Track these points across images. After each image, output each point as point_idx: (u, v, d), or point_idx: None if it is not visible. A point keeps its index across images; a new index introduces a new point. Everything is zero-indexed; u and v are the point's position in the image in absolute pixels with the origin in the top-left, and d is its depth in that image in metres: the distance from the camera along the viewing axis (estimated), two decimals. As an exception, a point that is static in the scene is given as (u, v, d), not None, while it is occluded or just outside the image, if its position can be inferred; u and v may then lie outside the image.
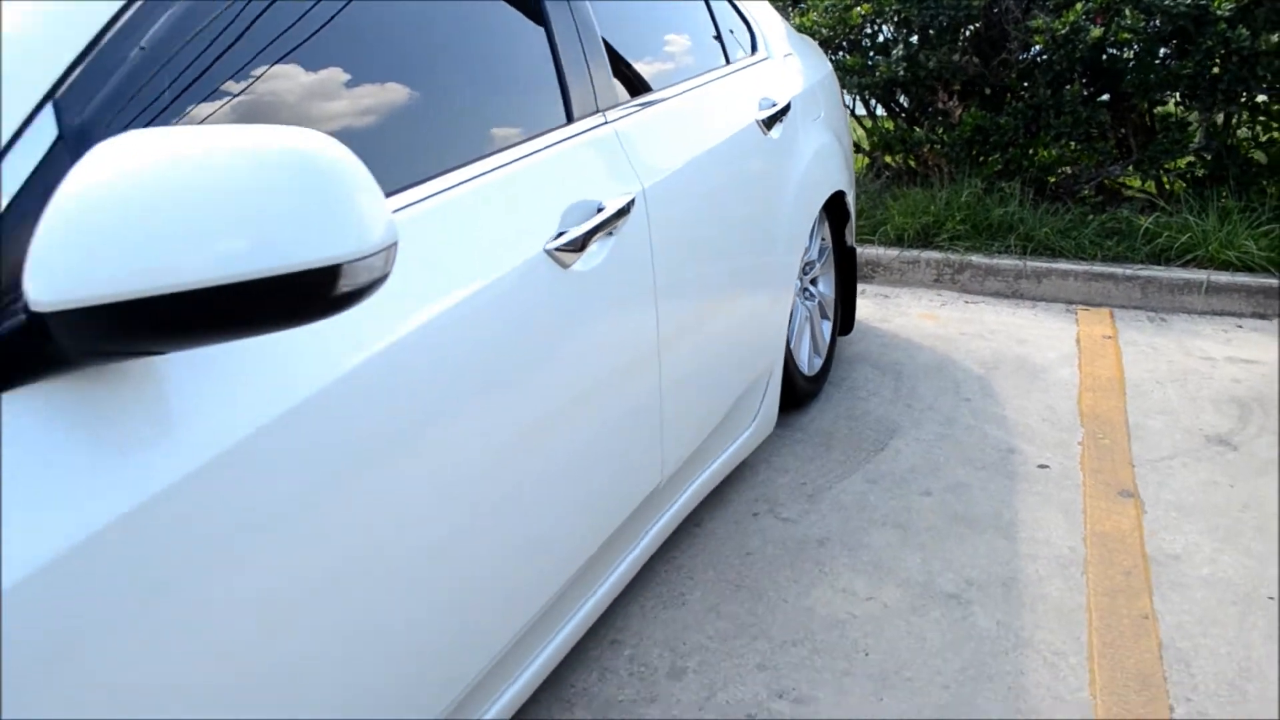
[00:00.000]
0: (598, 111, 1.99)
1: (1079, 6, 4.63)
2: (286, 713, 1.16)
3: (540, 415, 1.60)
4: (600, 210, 1.80)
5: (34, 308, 0.89)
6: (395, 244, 0.98)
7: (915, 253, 4.75)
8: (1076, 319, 4.25)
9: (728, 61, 2.77)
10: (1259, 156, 4.89)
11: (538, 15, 1.88)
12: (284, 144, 0.92)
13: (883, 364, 3.72)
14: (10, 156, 0.98)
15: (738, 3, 3.04)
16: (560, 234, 1.67)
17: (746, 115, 2.61)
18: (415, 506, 1.34)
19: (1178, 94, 4.82)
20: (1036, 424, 3.20)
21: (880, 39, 5.36)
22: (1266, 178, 4.77)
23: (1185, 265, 4.46)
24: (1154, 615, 2.23)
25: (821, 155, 3.11)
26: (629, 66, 2.21)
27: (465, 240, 1.46)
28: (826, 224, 3.38)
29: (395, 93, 1.48)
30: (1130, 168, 5.01)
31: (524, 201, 1.61)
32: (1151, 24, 4.57)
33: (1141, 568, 2.41)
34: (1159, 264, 4.49)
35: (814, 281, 3.37)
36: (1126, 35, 4.57)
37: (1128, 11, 4.54)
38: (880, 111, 5.61)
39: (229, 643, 1.08)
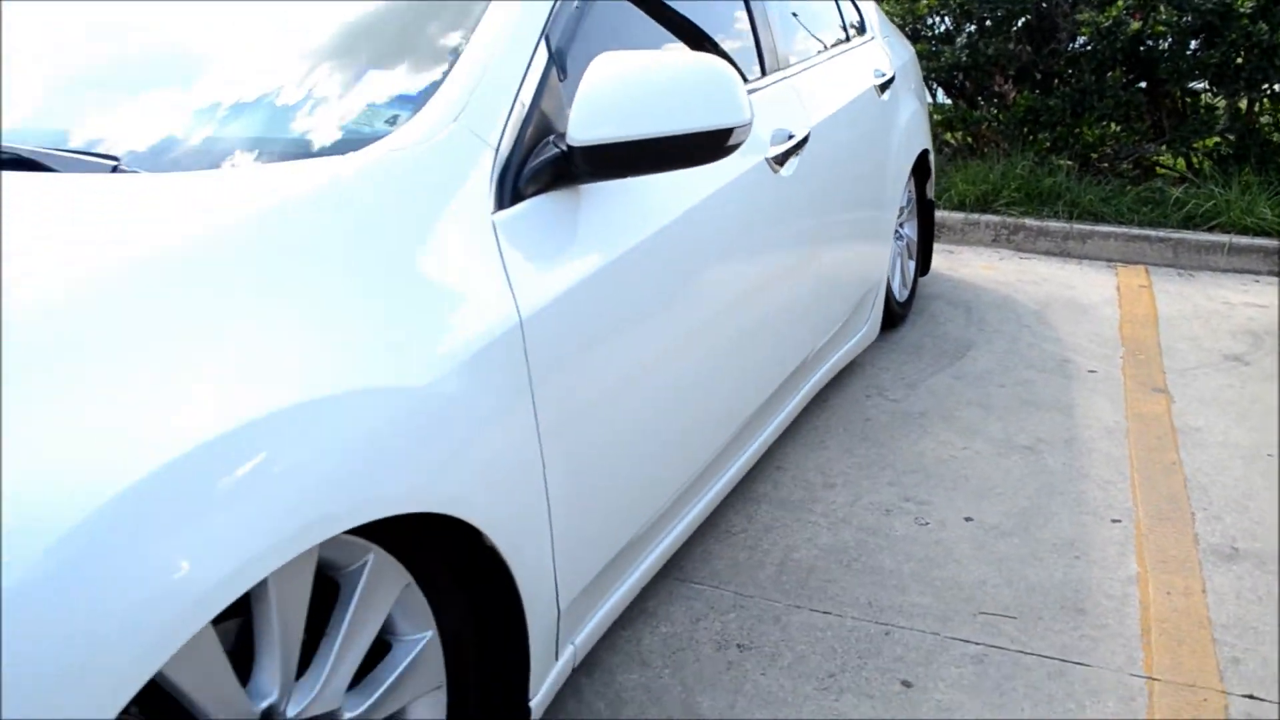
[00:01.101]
0: (778, 69, 2.74)
1: (1120, 3, 5.34)
2: (662, 412, 1.91)
3: (757, 277, 2.35)
4: (791, 137, 2.54)
5: (569, 144, 1.64)
6: (752, 120, 1.73)
7: (976, 216, 5.48)
8: (1116, 273, 4.97)
9: (848, 39, 3.51)
10: (1278, 138, 5.59)
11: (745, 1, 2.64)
12: (700, 60, 1.67)
13: (955, 300, 4.46)
14: (531, 69, 1.73)
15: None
16: (773, 154, 2.42)
17: (866, 81, 3.35)
18: (733, 299, 2.10)
19: (1206, 81, 5.53)
20: (1085, 343, 3.92)
21: (940, 29, 6.08)
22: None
23: (1210, 230, 5.17)
24: (1180, 462, 2.96)
25: (914, 119, 3.85)
26: (789, 39, 2.96)
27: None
28: (912, 179, 4.11)
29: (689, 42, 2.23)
30: (1164, 146, 5.73)
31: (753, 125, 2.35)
32: (1184, 19, 5.28)
33: (1170, 435, 3.14)
34: (1188, 228, 5.20)
35: (902, 225, 4.10)
36: (1161, 28, 5.28)
37: (1162, 8, 5.26)
38: (941, 95, 6.33)
39: (626, 363, 1.82)
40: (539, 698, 1.70)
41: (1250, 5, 5.15)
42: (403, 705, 1.45)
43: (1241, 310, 4.33)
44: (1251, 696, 1.96)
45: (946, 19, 6.05)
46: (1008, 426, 3.18)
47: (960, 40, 5.87)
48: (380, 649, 1.41)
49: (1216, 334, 4.04)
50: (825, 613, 2.25)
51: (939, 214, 5.47)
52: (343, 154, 1.45)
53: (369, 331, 1.27)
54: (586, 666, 2.05)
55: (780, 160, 2.45)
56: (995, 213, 5.48)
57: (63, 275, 1.07)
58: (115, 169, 1.48)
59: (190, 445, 1.00)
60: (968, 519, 2.63)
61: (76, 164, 1.50)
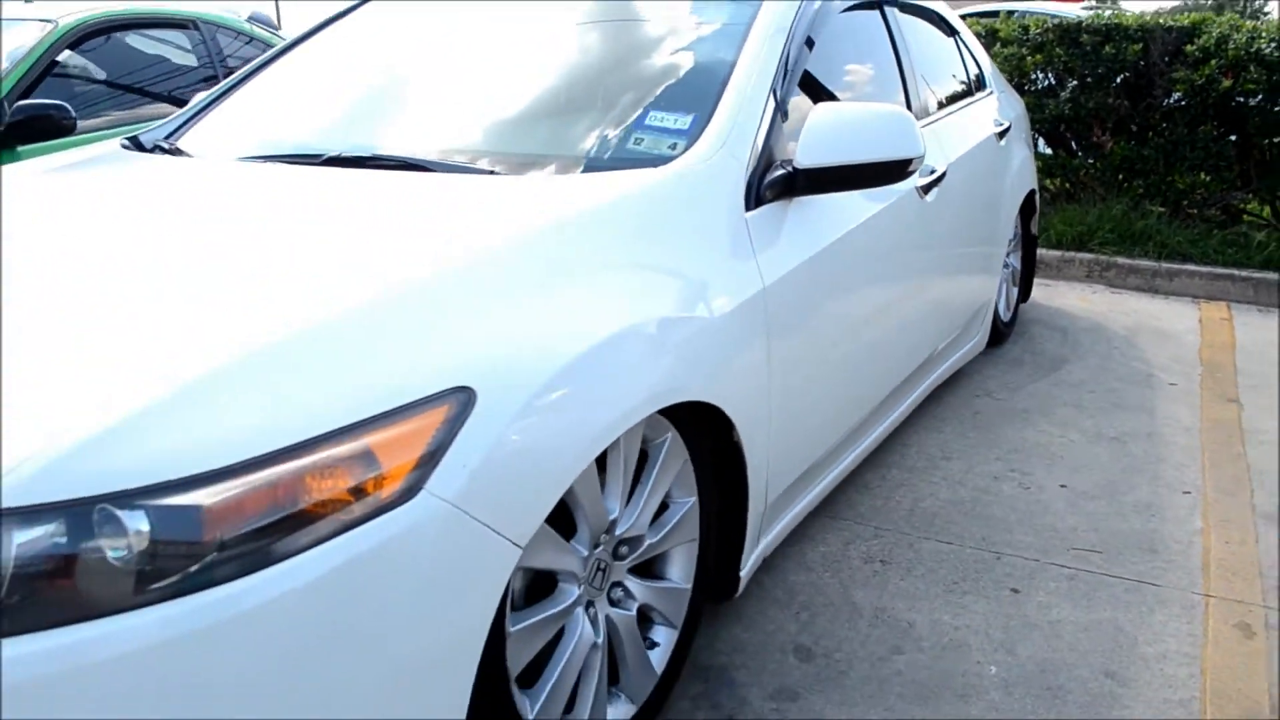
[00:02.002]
0: (924, 115, 3.40)
1: (1213, 63, 5.92)
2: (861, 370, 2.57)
3: (903, 278, 3.00)
4: (933, 172, 3.21)
5: (796, 166, 2.32)
6: (925, 154, 2.40)
7: (1072, 254, 6.07)
8: (1200, 307, 5.52)
9: (972, 93, 4.17)
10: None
11: (897, 60, 3.31)
12: (890, 109, 2.35)
13: (1052, 325, 5.06)
14: (765, 113, 2.41)
15: (973, 46, 4.44)
16: (921, 182, 3.09)
17: (988, 129, 4.00)
18: (889, 289, 2.76)
19: (1292, 136, 6.07)
20: (1168, 363, 4.50)
21: (1045, 84, 6.69)
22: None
23: (1291, 272, 5.70)
24: (1244, 454, 3.54)
25: (1024, 163, 4.48)
26: (930, 91, 3.63)
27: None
28: (1019, 217, 4.73)
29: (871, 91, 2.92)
30: (1250, 194, 6.27)
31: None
32: (1273, 77, 5.83)
33: (1238, 434, 3.72)
34: (1269, 269, 5.73)
35: (1009, 255, 4.72)
36: (1251, 86, 5.84)
37: (1252, 68, 5.82)
38: (1043, 144, 6.93)
39: (866, 326, 2.48)
40: (745, 570, 2.37)
41: (1333, 68, 5.70)
42: (670, 548, 2.12)
43: (1313, 342, 4.87)
44: None
45: (1050, 75, 6.66)
46: (1098, 423, 3.78)
47: (1063, 95, 6.48)
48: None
49: (1287, 360, 4.59)
50: (948, 543, 2.89)
51: (1040, 252, 6.06)
52: (643, 168, 2.15)
53: (680, 281, 1.96)
54: (765, 566, 2.71)
55: (925, 190, 3.12)
56: (1090, 251, 6.07)
57: (501, 232, 1.78)
58: (492, 173, 2.20)
59: (592, 342, 1.68)
60: (1063, 486, 3.25)
61: (457, 168, 2.23)
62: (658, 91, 2.46)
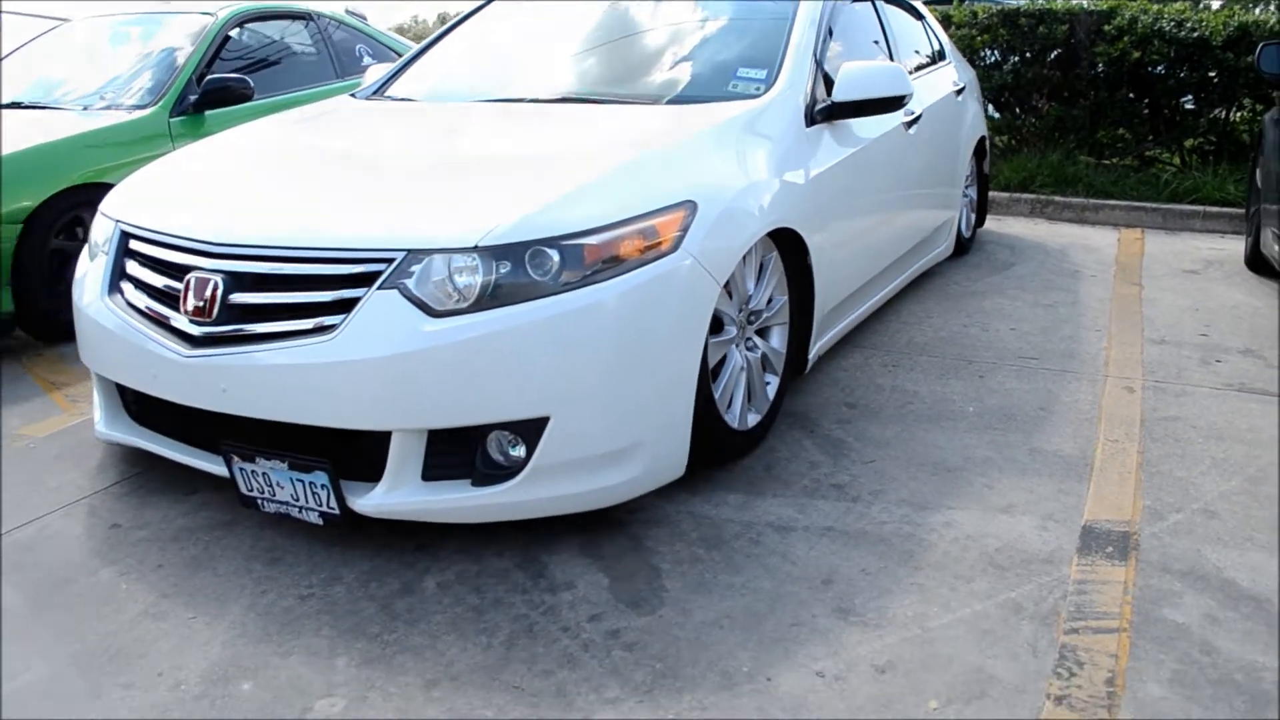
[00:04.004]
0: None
1: (1125, 40, 7.41)
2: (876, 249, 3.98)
3: (896, 184, 4.41)
4: (913, 114, 4.63)
5: (834, 101, 3.73)
6: (913, 93, 3.83)
7: (1018, 195, 7.53)
8: (1119, 232, 6.99)
9: (934, 62, 5.61)
10: (1245, 138, 7.63)
11: (885, 37, 4.74)
12: (890, 65, 3.78)
13: (1002, 244, 6.50)
14: (810, 67, 3.82)
15: (937, 30, 5.88)
16: (905, 119, 4.51)
17: (948, 87, 5.44)
18: (888, 188, 4.18)
19: (1191, 95, 7.57)
20: (1091, 264, 5.95)
21: (992, 59, 8.16)
22: (1248, 150, 7.51)
23: (1192, 203, 7.19)
24: (1140, 312, 5.00)
25: (976, 115, 5.92)
26: (908, 59, 5.05)
27: (886, 116, 4.27)
28: (974, 159, 6.17)
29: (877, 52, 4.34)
30: (1159, 144, 7.77)
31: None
32: (1172, 50, 7.33)
33: (1137, 302, 5.17)
34: (1175, 202, 7.22)
35: (968, 188, 6.15)
36: (1156, 58, 7.34)
37: (1156, 43, 7.32)
38: (991, 109, 8.39)
39: (876, 208, 3.89)
40: (811, 354, 3.74)
41: (1221, 39, 7.20)
42: (774, 325, 3.50)
43: (1205, 252, 6.35)
44: (1157, 384, 3.99)
45: (996, 52, 8.13)
46: (1036, 297, 5.23)
47: (1006, 67, 7.96)
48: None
49: (1181, 260, 6.07)
50: (935, 357, 4.30)
51: (992, 194, 7.53)
52: (742, 100, 3.54)
53: (774, 162, 3.36)
54: (817, 365, 4.10)
55: (908, 125, 4.55)
56: (1032, 192, 7.53)
57: (682, 131, 3.18)
58: (655, 103, 3.60)
59: (741, 185, 3.06)
60: (1011, 329, 4.68)
61: (628, 101, 3.62)
62: (742, 55, 3.86)
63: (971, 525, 2.77)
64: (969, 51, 8.03)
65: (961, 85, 5.63)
